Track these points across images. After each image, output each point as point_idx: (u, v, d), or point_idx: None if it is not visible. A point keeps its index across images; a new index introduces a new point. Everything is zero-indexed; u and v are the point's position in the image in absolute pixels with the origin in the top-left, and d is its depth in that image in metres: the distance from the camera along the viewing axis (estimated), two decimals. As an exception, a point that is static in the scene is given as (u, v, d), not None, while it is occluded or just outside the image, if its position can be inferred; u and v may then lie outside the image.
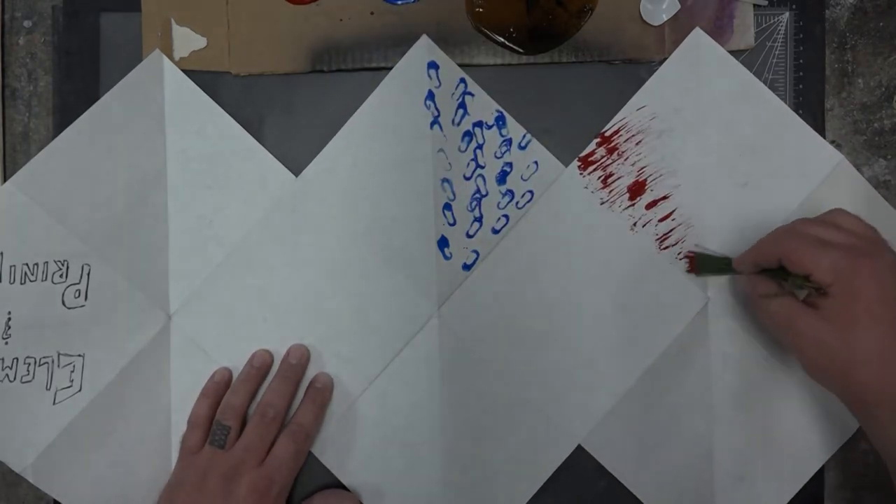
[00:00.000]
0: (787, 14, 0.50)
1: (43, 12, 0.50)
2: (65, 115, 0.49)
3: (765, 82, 0.50)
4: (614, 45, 0.49)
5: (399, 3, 0.49)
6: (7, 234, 0.48)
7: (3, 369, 0.48)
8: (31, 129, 0.50)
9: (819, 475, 0.51)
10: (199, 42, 0.49)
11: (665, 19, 0.49)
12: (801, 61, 0.50)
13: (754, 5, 0.50)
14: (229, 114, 0.49)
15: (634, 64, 0.50)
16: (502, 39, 0.49)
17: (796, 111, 0.50)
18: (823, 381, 0.42)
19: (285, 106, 0.50)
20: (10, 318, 0.48)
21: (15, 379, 0.48)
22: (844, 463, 0.51)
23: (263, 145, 0.49)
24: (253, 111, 0.50)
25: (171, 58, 0.49)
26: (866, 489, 0.51)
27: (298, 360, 0.49)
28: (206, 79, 0.49)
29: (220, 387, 0.48)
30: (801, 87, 0.50)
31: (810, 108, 0.50)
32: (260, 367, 0.49)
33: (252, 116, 0.50)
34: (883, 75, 0.51)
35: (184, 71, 0.49)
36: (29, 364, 0.48)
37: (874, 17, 0.51)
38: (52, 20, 0.50)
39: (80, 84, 0.50)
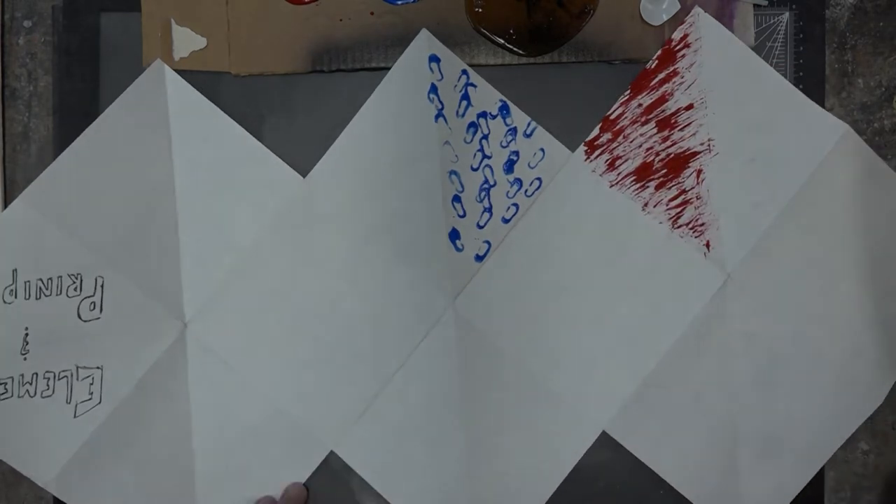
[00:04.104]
0: (787, 14, 0.50)
1: (43, 12, 0.50)
2: (65, 115, 0.49)
3: (765, 82, 0.50)
4: (614, 45, 0.49)
5: (399, 3, 0.49)
6: (20, 250, 0.48)
7: (23, 385, 0.48)
8: (31, 129, 0.50)
9: (819, 475, 0.51)
10: (199, 42, 0.49)
11: (665, 19, 0.49)
12: (801, 61, 0.50)
13: (754, 5, 0.50)
14: (229, 114, 0.49)
15: (634, 64, 0.50)
16: (502, 41, 0.49)
17: (796, 111, 0.50)
18: None
19: (285, 106, 0.50)
20: (27, 334, 0.48)
21: (35, 394, 0.48)
22: (844, 463, 0.51)
23: (263, 145, 0.49)
24: (253, 111, 0.50)
25: (171, 58, 0.49)
26: (866, 489, 0.51)
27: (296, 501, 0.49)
28: (206, 79, 0.49)
29: None
30: (801, 87, 0.50)
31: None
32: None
33: (252, 116, 0.50)
34: (883, 75, 0.51)
35: (184, 71, 0.49)
36: (48, 378, 0.48)
37: (874, 17, 0.51)
38: (52, 20, 0.50)
39: (80, 84, 0.50)
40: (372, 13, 0.49)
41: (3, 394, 0.48)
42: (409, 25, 0.49)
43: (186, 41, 0.49)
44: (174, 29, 0.49)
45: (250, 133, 0.49)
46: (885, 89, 0.51)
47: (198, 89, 0.49)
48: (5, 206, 0.49)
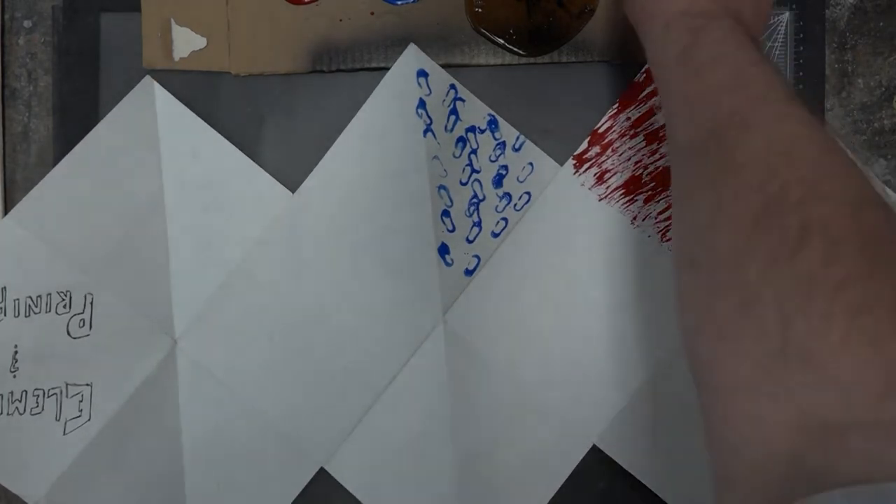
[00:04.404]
0: (787, 14, 0.50)
1: (43, 12, 0.50)
2: (65, 115, 0.49)
3: (765, 82, 0.50)
4: (614, 45, 0.49)
5: (399, 3, 0.49)
6: (8, 268, 0.48)
7: (12, 402, 0.48)
8: (31, 129, 0.50)
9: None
10: (199, 42, 0.49)
11: (665, 19, 0.49)
12: (801, 61, 0.50)
13: (754, 5, 0.50)
14: (229, 114, 0.49)
15: (634, 64, 0.50)
16: (502, 42, 0.49)
17: (796, 111, 0.50)
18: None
19: (285, 106, 0.50)
20: (16, 352, 0.48)
21: (25, 411, 0.48)
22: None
23: (264, 145, 0.49)
24: (253, 111, 0.50)
25: (171, 58, 0.49)
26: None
27: None
28: (206, 79, 0.49)
29: None
30: (801, 87, 0.50)
31: (810, 107, 0.50)
32: None
33: (252, 117, 0.50)
34: (883, 75, 0.51)
35: (183, 71, 0.49)
36: (38, 396, 0.48)
37: (874, 17, 0.51)
38: (52, 20, 0.50)
39: (80, 84, 0.50)
40: (372, 13, 0.49)
41: (-9, 412, 0.48)
42: (409, 25, 0.49)
43: (186, 41, 0.49)
44: (174, 29, 0.49)
45: (250, 133, 0.49)
46: (885, 89, 0.51)
47: (198, 89, 0.49)
48: (5, 206, 0.49)
